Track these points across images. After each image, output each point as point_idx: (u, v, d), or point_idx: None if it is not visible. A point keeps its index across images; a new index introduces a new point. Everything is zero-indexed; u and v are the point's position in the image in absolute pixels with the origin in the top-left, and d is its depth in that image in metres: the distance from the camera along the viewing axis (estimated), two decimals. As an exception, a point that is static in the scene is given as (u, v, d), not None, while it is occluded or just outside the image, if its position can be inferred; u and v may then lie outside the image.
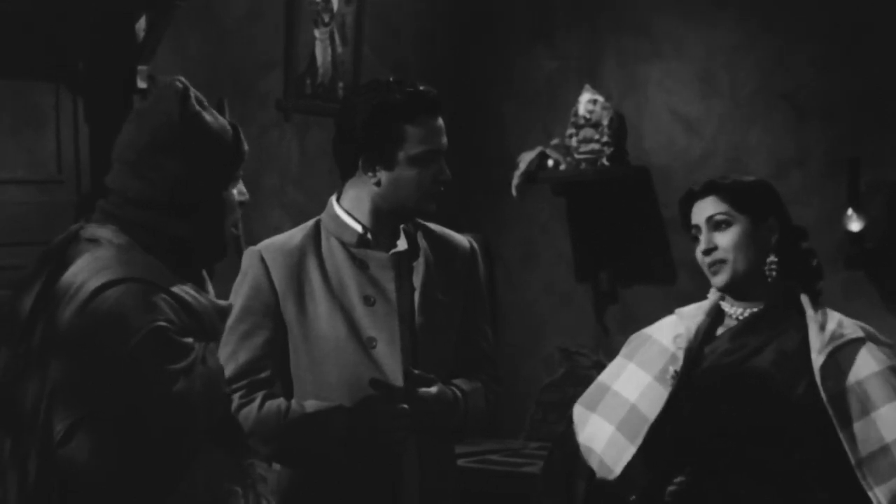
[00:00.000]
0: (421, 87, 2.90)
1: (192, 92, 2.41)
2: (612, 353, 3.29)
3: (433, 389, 2.85)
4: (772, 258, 2.95)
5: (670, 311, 3.12)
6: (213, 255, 2.45)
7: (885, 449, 2.79)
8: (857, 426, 2.81)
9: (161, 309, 2.27)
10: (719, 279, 2.96)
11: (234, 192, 2.46)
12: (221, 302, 2.45)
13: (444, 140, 2.92)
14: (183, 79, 2.43)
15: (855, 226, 4.84)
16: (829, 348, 2.87)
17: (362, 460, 2.84)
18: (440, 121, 2.92)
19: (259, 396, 2.87)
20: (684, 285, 5.08)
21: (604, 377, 3.08)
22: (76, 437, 2.21)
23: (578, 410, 3.07)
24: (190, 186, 2.36)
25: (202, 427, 2.35)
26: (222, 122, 2.43)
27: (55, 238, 2.40)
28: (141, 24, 4.10)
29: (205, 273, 2.48)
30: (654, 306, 3.16)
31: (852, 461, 2.79)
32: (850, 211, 4.84)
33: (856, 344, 2.89)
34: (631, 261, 5.41)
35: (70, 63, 3.99)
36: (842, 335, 2.89)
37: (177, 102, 2.38)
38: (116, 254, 2.31)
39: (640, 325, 3.17)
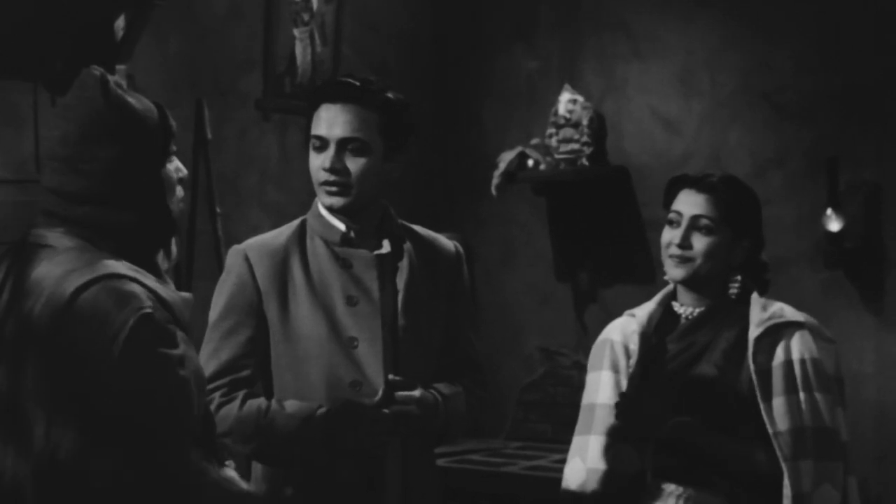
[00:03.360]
0: (338, 78, 2.95)
1: (111, 77, 2.38)
2: (592, 353, 3.29)
3: (414, 393, 2.83)
4: (736, 277, 2.99)
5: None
6: (162, 236, 2.40)
7: (798, 429, 2.84)
8: (776, 402, 2.86)
9: (141, 298, 2.23)
10: (678, 272, 2.98)
11: (171, 168, 2.42)
12: (184, 293, 2.41)
13: (330, 129, 2.86)
14: (98, 67, 2.40)
15: (834, 225, 4.85)
16: (768, 324, 2.92)
17: (342, 461, 2.83)
18: (335, 108, 2.86)
19: (240, 395, 2.85)
20: (663, 285, 5.09)
21: (585, 399, 3.06)
22: (75, 443, 2.17)
23: (576, 441, 3.04)
24: (127, 172, 2.32)
25: (196, 421, 2.29)
26: (146, 102, 2.39)
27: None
28: (119, 23, 4.08)
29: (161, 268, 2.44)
30: (633, 305, 3.15)
31: (770, 430, 2.83)
32: (829, 210, 4.86)
33: (793, 327, 2.93)
34: (611, 260, 5.42)
35: (48, 62, 3.97)
36: (782, 316, 2.95)
37: (99, 90, 2.34)
38: (78, 255, 2.27)
39: (621, 325, 3.16)
